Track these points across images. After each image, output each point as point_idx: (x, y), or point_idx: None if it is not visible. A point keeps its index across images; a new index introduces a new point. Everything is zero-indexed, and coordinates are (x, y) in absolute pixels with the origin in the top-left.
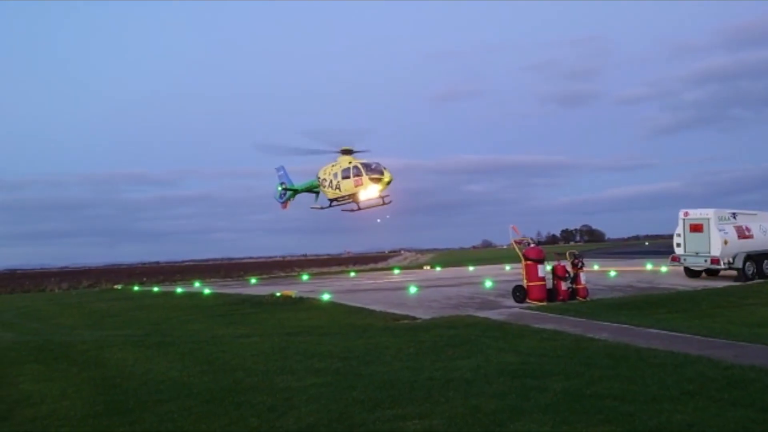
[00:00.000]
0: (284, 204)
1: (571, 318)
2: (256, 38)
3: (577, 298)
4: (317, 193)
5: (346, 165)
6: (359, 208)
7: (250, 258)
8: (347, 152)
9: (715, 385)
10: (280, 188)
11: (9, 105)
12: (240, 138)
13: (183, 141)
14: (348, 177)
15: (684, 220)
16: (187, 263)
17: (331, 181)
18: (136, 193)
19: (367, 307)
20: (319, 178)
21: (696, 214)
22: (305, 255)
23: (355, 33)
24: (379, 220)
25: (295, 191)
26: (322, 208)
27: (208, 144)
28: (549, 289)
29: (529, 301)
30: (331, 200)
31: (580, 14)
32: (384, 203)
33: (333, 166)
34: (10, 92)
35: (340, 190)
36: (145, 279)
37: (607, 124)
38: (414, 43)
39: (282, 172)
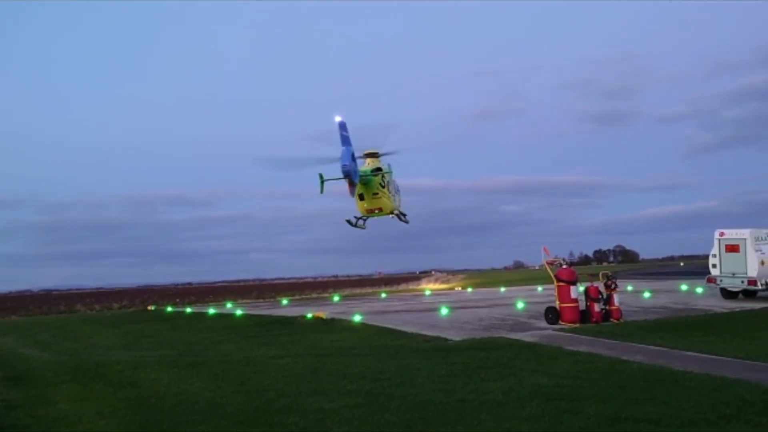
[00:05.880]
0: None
1: (605, 340)
2: (299, 55)
3: (611, 319)
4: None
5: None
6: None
7: (282, 279)
8: (372, 156)
9: (753, 408)
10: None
11: (51, 129)
12: None
13: (221, 161)
14: (399, 191)
15: (719, 240)
16: (219, 284)
17: (397, 189)
18: (173, 214)
19: (399, 328)
20: (383, 177)
21: (732, 234)
22: (336, 276)
23: (393, 52)
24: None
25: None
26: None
27: (245, 164)
28: (582, 311)
29: (562, 322)
30: (392, 213)
31: (619, 32)
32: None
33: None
34: (52, 116)
35: (397, 204)
36: (177, 300)
37: (645, 143)
38: (452, 62)
39: (347, 134)
